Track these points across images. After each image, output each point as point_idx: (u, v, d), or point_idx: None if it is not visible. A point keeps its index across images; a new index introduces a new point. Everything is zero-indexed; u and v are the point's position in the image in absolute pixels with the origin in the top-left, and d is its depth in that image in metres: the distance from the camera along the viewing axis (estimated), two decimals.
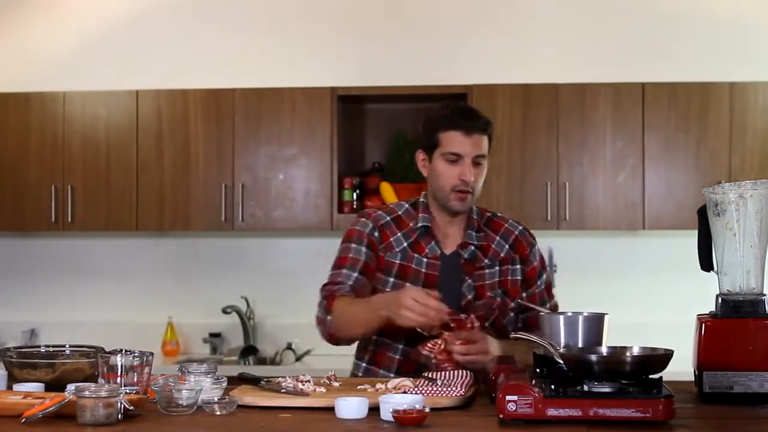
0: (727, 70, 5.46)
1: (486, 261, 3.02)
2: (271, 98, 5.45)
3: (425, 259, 3.00)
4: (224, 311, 5.58)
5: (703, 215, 2.66)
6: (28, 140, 5.53)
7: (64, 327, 5.67)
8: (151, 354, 2.55)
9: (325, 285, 3.02)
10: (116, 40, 5.80)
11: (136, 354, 2.52)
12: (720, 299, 2.61)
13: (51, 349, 2.84)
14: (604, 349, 2.45)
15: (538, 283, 3.08)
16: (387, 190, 5.40)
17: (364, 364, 3.07)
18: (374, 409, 2.32)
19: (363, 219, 3.08)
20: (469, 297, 2.98)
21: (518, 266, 3.06)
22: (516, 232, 3.10)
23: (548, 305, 3.04)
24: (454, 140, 2.94)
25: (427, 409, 2.24)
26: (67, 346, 2.85)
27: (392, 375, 2.94)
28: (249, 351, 5.55)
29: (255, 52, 5.75)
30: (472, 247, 3.02)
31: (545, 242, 5.57)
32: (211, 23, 5.79)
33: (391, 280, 2.99)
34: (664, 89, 5.30)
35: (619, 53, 5.59)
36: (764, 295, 2.58)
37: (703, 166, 5.28)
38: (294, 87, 5.47)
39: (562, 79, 5.40)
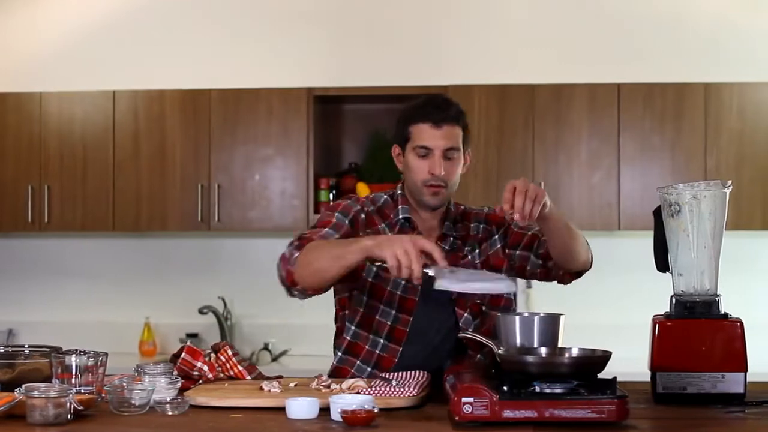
0: (702, 71, 5.47)
1: (467, 248, 2.97)
2: (247, 99, 5.45)
3: None
4: (201, 311, 5.59)
5: (658, 216, 2.66)
6: (4, 140, 5.53)
7: (41, 327, 5.68)
8: (106, 354, 2.55)
9: (302, 235, 2.80)
10: (93, 41, 5.80)
11: (91, 354, 2.52)
12: (674, 300, 2.61)
13: (10, 350, 2.82)
14: (542, 351, 2.45)
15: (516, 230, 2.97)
16: (363, 191, 5.40)
17: (339, 353, 2.96)
18: (326, 410, 2.32)
19: (350, 200, 2.96)
20: None
21: (495, 236, 2.99)
22: (484, 211, 3.03)
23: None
24: (423, 133, 2.86)
25: (376, 410, 2.24)
26: (26, 346, 2.82)
27: (369, 369, 2.87)
28: None
29: (231, 52, 5.75)
30: (452, 238, 2.97)
31: None
32: (187, 24, 5.78)
33: (374, 269, 2.89)
34: (639, 90, 5.31)
35: (594, 54, 5.59)
36: (718, 295, 2.58)
37: (678, 166, 5.29)
38: (270, 87, 5.47)
39: (538, 80, 5.41)
